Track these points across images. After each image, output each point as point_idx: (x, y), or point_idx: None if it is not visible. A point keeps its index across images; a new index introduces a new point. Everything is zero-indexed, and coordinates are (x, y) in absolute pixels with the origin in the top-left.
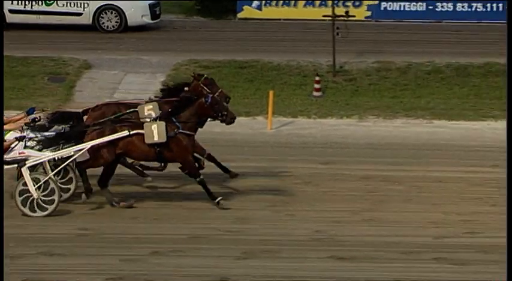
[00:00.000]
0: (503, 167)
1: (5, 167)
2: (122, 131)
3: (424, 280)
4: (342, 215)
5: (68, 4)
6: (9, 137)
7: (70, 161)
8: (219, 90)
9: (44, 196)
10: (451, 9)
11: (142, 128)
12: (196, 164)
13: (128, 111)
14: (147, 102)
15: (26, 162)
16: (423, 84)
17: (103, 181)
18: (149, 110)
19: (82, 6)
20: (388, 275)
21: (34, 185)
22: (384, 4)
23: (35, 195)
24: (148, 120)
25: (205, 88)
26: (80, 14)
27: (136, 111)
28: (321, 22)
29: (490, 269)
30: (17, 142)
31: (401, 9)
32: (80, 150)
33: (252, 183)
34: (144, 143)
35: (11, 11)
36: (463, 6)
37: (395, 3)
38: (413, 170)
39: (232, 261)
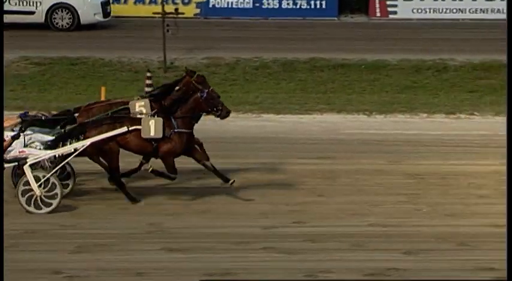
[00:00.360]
0: (330, 158)
1: (6, 165)
2: (120, 127)
3: (253, 268)
4: (175, 208)
5: (21, 3)
6: None
7: (70, 159)
8: (210, 88)
9: (46, 192)
10: (276, 7)
11: (140, 124)
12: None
13: (119, 108)
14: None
15: (27, 160)
16: (251, 80)
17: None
18: (140, 107)
19: (35, 4)
20: (218, 265)
21: (36, 183)
22: (212, 1)
23: (38, 193)
24: (143, 115)
25: (197, 86)
26: (32, 13)
27: (128, 107)
28: (151, 19)
29: (317, 257)
30: (15, 141)
31: (229, 6)
32: (81, 147)
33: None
34: (140, 138)
35: None
36: (288, 4)
37: (223, 1)
38: (245, 163)
39: (66, 255)
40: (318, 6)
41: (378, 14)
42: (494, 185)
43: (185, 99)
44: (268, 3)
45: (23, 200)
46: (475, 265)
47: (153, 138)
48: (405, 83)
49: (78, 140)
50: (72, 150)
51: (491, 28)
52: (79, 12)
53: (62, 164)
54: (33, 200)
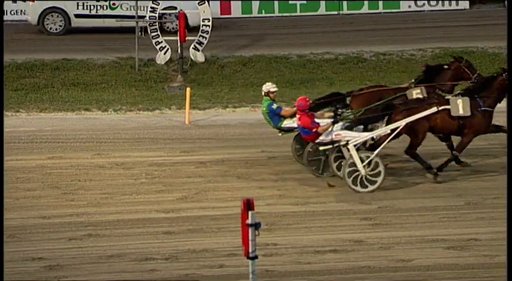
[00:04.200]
0: None
1: (322, 148)
2: (430, 108)
3: None
4: None
5: (132, 8)
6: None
7: (388, 140)
8: (477, 72)
9: (370, 171)
10: None
11: (448, 104)
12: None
13: (397, 95)
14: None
15: (349, 142)
16: None
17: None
18: (417, 94)
19: (145, 9)
20: None
21: (362, 163)
22: None
23: (363, 172)
24: (452, 96)
25: (466, 70)
26: (143, 17)
27: (405, 94)
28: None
29: None
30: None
31: None
32: (396, 128)
33: None
34: (449, 117)
35: (77, 16)
36: None
37: None
38: None
39: None
40: None
41: None
42: (40, 179)
43: (490, 81)
44: None
45: (349, 181)
46: (23, 256)
47: (460, 117)
48: None
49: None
50: (389, 131)
51: None
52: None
53: (383, 144)
54: (358, 179)
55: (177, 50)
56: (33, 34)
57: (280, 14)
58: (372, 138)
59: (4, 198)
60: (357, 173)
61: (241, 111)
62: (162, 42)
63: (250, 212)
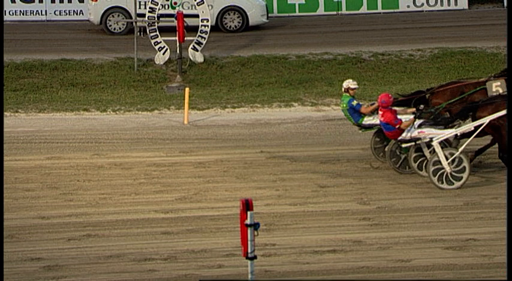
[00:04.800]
0: None
1: (404, 145)
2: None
3: None
4: None
5: (193, 7)
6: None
7: (472, 137)
8: None
9: (455, 167)
10: None
11: None
12: None
13: (476, 89)
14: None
15: (434, 139)
16: None
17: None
18: (497, 87)
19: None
20: None
21: (446, 160)
22: None
23: (448, 169)
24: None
25: None
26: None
27: (485, 88)
28: None
29: None
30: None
31: None
32: (480, 125)
33: None
34: None
35: (140, 15)
36: None
37: None
38: None
39: None
40: None
41: None
42: (39, 179)
43: None
44: None
45: (434, 179)
46: (21, 256)
47: None
48: None
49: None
50: (472, 128)
51: None
52: (248, 14)
53: (468, 141)
54: (444, 177)
55: (176, 51)
56: (94, 34)
57: (279, 14)
58: (456, 136)
59: (3, 198)
60: (442, 170)
61: (240, 111)
62: (160, 42)
63: (249, 213)
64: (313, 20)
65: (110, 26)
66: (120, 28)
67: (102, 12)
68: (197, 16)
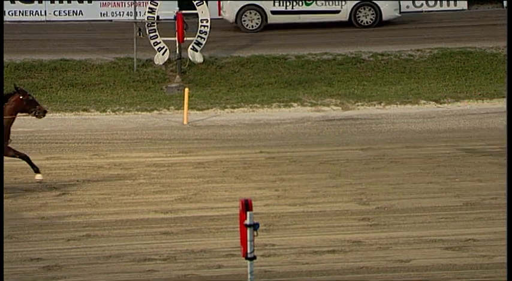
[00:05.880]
0: None
1: None
2: None
3: None
4: None
5: (327, 3)
6: None
7: None
8: None
9: None
10: None
11: None
12: None
13: None
14: None
15: None
16: None
17: None
18: None
19: (340, 4)
20: None
21: None
22: None
23: None
24: None
25: None
26: (337, 12)
27: None
28: None
29: None
30: None
31: None
32: None
33: None
34: None
35: (273, 12)
36: None
37: None
38: None
39: None
40: None
41: None
42: None
43: None
44: None
45: None
46: (21, 256)
47: None
48: None
49: None
50: None
51: None
52: (382, 8)
53: None
54: None
55: (176, 51)
56: (228, 31)
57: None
58: None
59: (3, 198)
60: None
61: (240, 111)
62: (160, 42)
63: (248, 213)
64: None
65: (245, 22)
66: (253, 26)
67: (238, 10)
68: (330, 12)
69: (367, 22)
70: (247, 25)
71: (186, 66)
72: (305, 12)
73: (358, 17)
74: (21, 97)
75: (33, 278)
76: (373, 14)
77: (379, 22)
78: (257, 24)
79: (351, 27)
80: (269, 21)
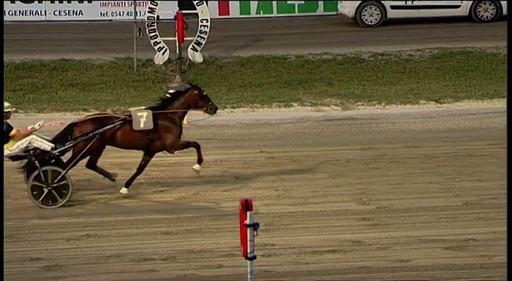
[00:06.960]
0: None
1: None
2: None
3: None
4: None
5: None
6: None
7: None
8: None
9: None
10: None
11: None
12: None
13: None
14: None
15: None
16: None
17: None
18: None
19: None
20: None
21: None
22: None
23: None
24: None
25: None
26: (457, 7)
27: None
28: None
29: None
30: None
31: None
32: None
33: None
34: None
35: (393, 7)
36: None
37: None
38: None
39: None
40: None
41: None
42: None
43: None
44: None
45: None
46: (21, 256)
47: None
48: None
49: None
50: None
51: None
52: (502, 3)
53: None
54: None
55: (176, 51)
56: (347, 26)
57: (278, 15)
58: None
59: (3, 198)
60: None
61: (240, 111)
62: (160, 42)
63: (248, 213)
64: (313, 20)
65: (364, 17)
66: (372, 21)
67: (358, 5)
68: (449, 7)
69: (487, 17)
70: (366, 20)
71: (186, 66)
72: (425, 7)
73: (479, 11)
74: (195, 92)
75: (33, 278)
76: (493, 8)
77: (500, 17)
78: (376, 19)
79: (471, 21)
80: (388, 16)
